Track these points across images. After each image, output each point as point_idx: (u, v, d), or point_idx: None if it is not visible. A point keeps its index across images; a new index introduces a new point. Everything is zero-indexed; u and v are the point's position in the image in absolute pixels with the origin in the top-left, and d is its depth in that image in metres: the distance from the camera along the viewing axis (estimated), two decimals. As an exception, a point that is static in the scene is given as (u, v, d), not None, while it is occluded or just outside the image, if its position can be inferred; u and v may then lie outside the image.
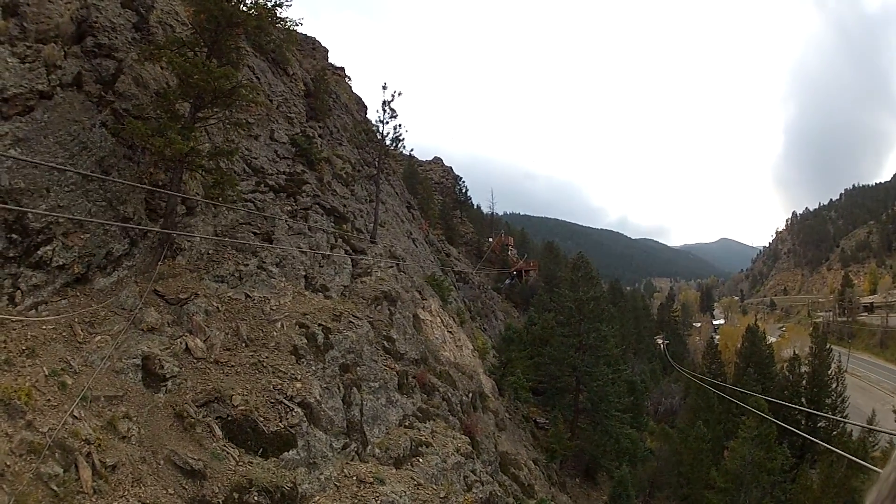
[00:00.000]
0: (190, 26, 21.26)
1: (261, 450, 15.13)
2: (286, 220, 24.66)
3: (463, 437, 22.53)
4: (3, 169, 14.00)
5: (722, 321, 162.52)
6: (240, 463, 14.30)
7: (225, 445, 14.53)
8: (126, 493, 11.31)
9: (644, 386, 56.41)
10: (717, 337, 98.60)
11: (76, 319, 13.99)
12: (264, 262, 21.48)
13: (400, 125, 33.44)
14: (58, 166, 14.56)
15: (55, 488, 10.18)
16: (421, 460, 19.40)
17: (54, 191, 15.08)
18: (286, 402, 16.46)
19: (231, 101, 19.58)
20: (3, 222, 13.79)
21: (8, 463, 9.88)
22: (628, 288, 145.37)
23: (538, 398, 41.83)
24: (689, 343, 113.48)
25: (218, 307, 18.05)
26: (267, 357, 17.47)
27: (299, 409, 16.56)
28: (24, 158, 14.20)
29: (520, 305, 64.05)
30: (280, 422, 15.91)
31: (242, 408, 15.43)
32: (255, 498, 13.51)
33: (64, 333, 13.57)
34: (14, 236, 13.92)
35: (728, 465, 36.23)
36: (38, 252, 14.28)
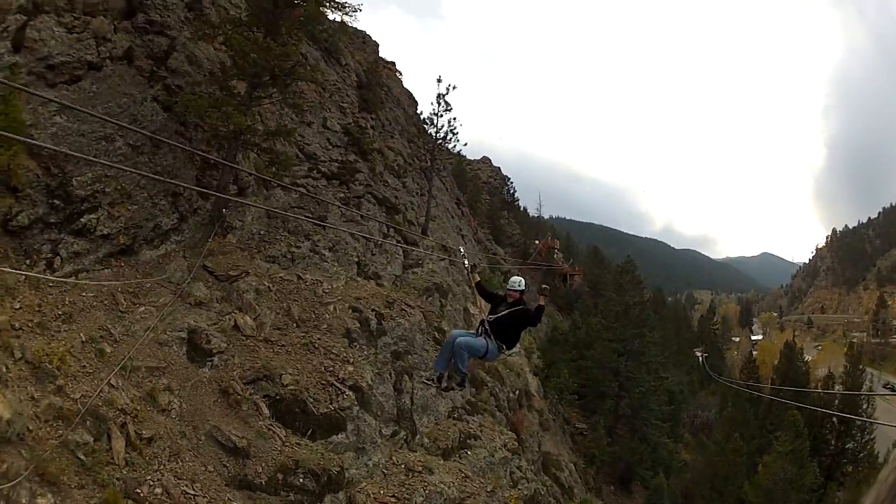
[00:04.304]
0: (245, 8, 20.43)
1: (309, 431, 14.24)
2: (339, 206, 23.59)
3: (509, 433, 21.59)
4: (48, 135, 13.16)
5: (760, 336, 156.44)
6: (286, 443, 13.40)
7: (271, 425, 13.64)
8: (161, 467, 10.38)
9: (682, 397, 54.33)
10: (756, 353, 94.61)
11: (119, 289, 12.91)
12: (317, 246, 20.60)
13: (455, 119, 32.20)
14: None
15: (82, 457, 9.21)
16: (469, 453, 18.50)
17: (102, 160, 14.11)
18: (337, 384, 15.55)
19: (290, 81, 18.69)
20: (45, 188, 12.98)
21: (30, 427, 8.91)
22: (670, 298, 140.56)
23: (578, 402, 40.12)
24: (727, 357, 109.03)
25: (269, 286, 17.10)
26: (319, 339, 16.58)
27: (351, 393, 15.62)
28: (81, 109, 13.22)
29: (564, 309, 62.02)
30: (330, 404, 15.00)
31: (292, 388, 14.57)
32: (301, 480, 12.68)
33: (105, 302, 12.62)
34: (56, 202, 13.10)
35: (761, 479, 35.08)
36: (82, 220, 13.43)
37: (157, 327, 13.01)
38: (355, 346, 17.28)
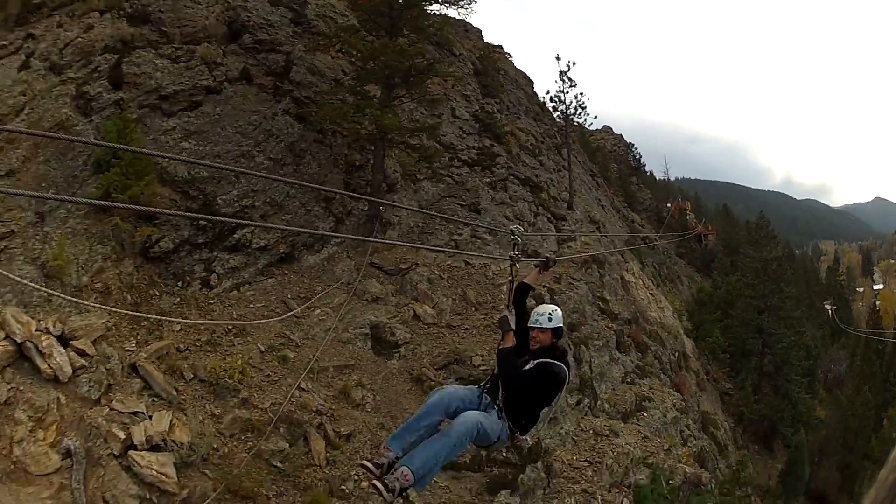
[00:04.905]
0: (359, 12, 20.03)
1: (504, 407, 13.23)
2: (488, 191, 23.52)
3: (676, 393, 22.46)
4: (179, 161, 12.88)
5: (881, 286, 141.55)
6: (486, 421, 12.27)
7: (470, 405, 12.50)
8: (364, 460, 9.24)
9: (817, 352, 51.50)
10: (878, 302, 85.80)
11: (290, 296, 12.34)
12: (476, 231, 20.35)
13: (581, 93, 32.77)
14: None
15: (279, 465, 8.71)
16: (645, 414, 19.44)
17: (244, 177, 13.87)
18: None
19: (426, 77, 18.60)
20: (187, 211, 12.77)
21: (215, 446, 8.19)
22: (797, 251, 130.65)
23: (729, 360, 39.11)
24: (853, 308, 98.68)
25: (440, 275, 17.16)
26: (499, 319, 15.69)
27: (539, 367, 14.56)
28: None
29: (702, 270, 59.70)
30: (522, 379, 13.99)
31: (484, 367, 14.36)
32: (504, 454, 12.92)
33: (277, 310, 12.07)
34: (202, 223, 12.89)
35: (886, 433, 35.05)
36: (234, 235, 13.25)
37: (337, 327, 12.58)
38: (535, 323, 16.74)
